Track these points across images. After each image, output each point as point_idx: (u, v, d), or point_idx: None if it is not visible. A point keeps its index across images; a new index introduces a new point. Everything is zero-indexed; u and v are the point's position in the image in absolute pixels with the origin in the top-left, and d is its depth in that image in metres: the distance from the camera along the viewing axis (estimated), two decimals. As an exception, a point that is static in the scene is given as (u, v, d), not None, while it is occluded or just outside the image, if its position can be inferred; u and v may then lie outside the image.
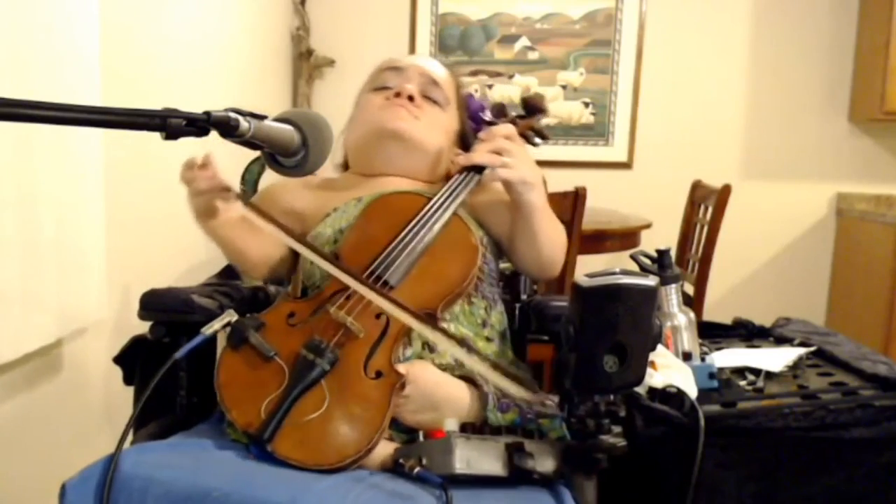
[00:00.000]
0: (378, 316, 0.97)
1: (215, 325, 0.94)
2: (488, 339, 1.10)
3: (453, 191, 1.12)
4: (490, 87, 3.34)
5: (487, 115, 1.35)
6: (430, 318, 1.00)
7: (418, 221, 1.07)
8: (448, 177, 1.24)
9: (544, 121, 1.33)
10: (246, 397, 0.91)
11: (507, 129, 1.10)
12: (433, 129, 1.23)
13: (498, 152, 1.06)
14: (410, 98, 1.22)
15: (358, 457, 0.86)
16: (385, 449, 0.88)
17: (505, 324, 1.18)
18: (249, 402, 0.90)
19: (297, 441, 0.86)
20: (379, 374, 0.92)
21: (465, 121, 1.33)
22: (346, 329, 0.95)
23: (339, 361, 0.92)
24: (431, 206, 1.09)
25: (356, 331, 0.95)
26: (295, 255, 1.20)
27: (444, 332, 0.95)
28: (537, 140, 1.31)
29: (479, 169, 1.14)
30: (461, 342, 0.96)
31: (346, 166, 1.36)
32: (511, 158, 1.05)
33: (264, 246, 1.16)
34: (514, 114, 1.31)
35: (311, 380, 0.89)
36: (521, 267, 1.21)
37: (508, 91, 3.33)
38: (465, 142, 1.32)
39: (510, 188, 1.07)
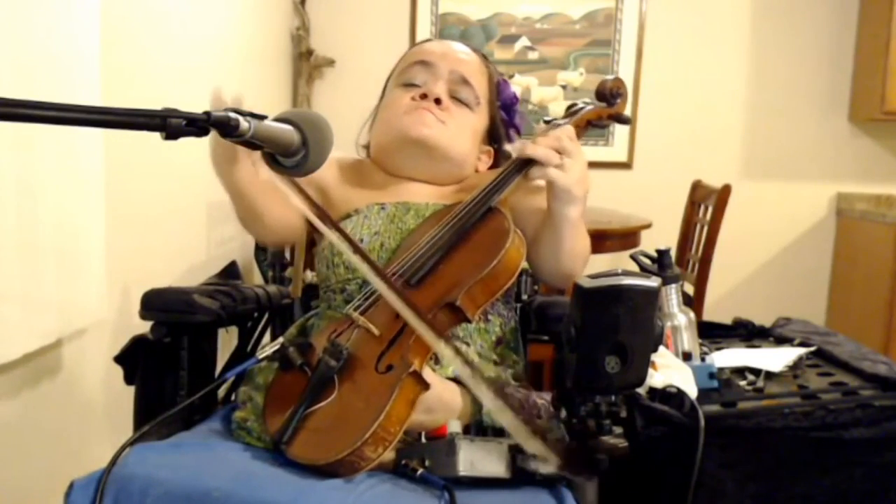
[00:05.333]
0: (398, 315, 0.94)
1: (267, 350, 0.95)
2: (496, 363, 1.08)
3: (487, 190, 1.07)
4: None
5: (518, 108, 1.29)
6: (449, 311, 0.96)
7: (445, 222, 1.05)
8: (475, 172, 1.24)
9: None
10: (278, 408, 0.92)
11: (569, 131, 1.02)
12: (460, 132, 1.19)
13: (559, 152, 0.98)
14: (438, 101, 1.17)
15: (353, 450, 0.82)
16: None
17: (519, 340, 1.16)
18: (279, 411, 0.90)
19: (305, 441, 0.86)
20: (389, 368, 0.90)
21: (496, 113, 1.27)
22: (361, 328, 0.95)
23: (353, 359, 0.91)
24: (461, 206, 1.06)
25: (371, 330, 0.94)
26: (309, 233, 1.17)
27: (451, 344, 0.91)
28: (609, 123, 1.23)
29: (520, 167, 1.04)
30: (467, 358, 0.91)
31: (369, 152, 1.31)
32: (569, 161, 0.98)
33: (282, 209, 1.09)
34: (584, 103, 1.22)
35: (324, 380, 0.89)
36: (537, 272, 1.18)
37: (508, 91, 3.33)
38: (494, 136, 1.28)
39: (551, 192, 1.01)
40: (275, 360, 0.95)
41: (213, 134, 0.96)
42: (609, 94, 1.20)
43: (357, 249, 0.94)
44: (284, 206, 1.08)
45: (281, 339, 0.96)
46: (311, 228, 1.14)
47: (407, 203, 1.16)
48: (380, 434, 0.83)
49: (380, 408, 0.84)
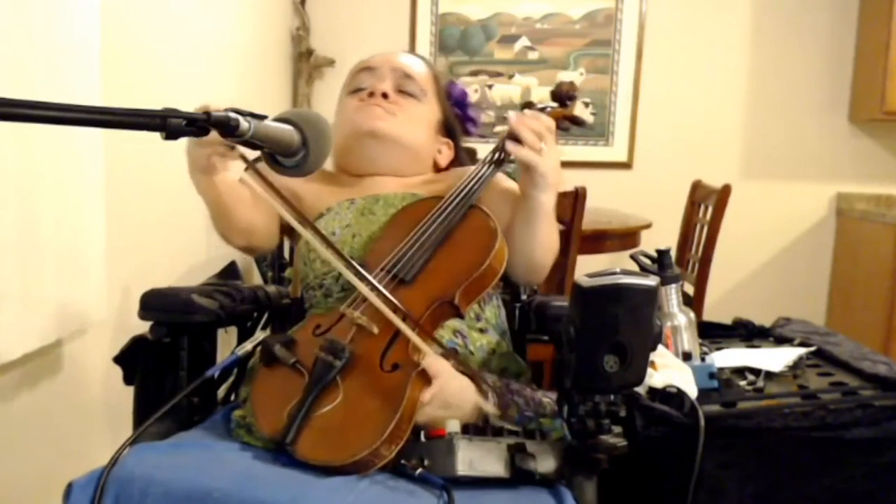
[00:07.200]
0: (394, 311, 0.96)
1: (247, 345, 0.96)
2: (482, 331, 1.10)
3: (469, 186, 1.12)
4: (490, 87, 3.35)
5: (470, 101, 1.37)
6: (446, 307, 1.01)
7: (431, 217, 1.08)
8: (436, 166, 1.29)
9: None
10: (272, 406, 0.92)
11: (548, 122, 1.06)
12: (411, 122, 1.24)
13: (540, 137, 1.02)
14: (385, 95, 1.22)
15: (372, 450, 0.83)
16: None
17: (501, 318, 1.18)
18: (275, 410, 0.90)
19: (314, 441, 0.86)
20: (396, 367, 0.91)
21: (448, 109, 1.34)
22: (360, 326, 0.95)
23: (355, 358, 0.92)
24: (445, 202, 1.10)
25: (369, 327, 0.95)
26: (282, 235, 1.22)
27: (434, 339, 0.94)
28: (568, 125, 1.28)
29: (499, 162, 1.14)
30: (449, 352, 0.95)
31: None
32: (546, 148, 1.03)
33: (251, 214, 1.15)
34: (542, 105, 1.27)
35: (327, 380, 0.90)
36: (509, 266, 1.18)
37: (508, 91, 3.33)
38: (449, 129, 1.33)
39: (528, 178, 1.04)
40: (262, 357, 0.95)
41: (188, 147, 1.00)
42: (565, 97, 1.26)
43: (330, 245, 0.97)
44: (254, 210, 1.15)
45: (259, 335, 0.97)
46: (287, 230, 1.20)
47: (376, 195, 1.19)
48: (395, 433, 0.85)
49: (395, 407, 0.86)
